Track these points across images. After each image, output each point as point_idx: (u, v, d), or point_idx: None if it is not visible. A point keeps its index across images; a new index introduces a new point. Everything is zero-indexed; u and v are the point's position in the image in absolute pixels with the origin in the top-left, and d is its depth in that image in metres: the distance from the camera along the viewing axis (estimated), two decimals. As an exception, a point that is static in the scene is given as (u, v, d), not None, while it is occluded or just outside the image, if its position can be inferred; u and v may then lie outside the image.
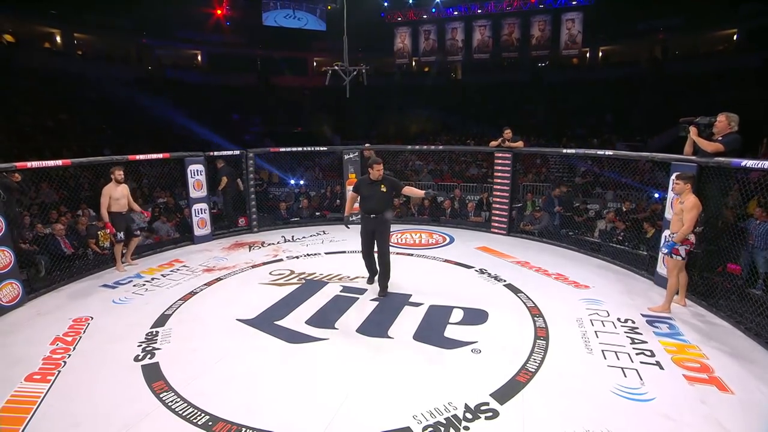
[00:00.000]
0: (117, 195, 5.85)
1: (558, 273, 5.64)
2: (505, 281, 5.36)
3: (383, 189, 4.81)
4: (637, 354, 3.72)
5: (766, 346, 3.82)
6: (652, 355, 3.70)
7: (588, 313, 4.49)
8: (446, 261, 6.22)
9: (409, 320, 4.34)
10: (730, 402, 3.14)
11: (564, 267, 5.88)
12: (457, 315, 4.43)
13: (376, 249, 4.98)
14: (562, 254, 6.56)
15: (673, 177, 4.50)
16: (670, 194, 5.01)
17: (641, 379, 3.37)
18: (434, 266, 6.02)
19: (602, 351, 3.75)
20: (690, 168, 4.78)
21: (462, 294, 4.96)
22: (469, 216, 8.68)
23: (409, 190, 4.99)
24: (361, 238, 5.04)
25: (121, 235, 5.84)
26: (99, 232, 6.78)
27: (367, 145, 9.13)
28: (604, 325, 4.21)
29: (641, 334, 4.06)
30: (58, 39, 21.00)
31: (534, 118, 18.50)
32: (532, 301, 4.78)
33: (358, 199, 5.00)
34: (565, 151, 7.32)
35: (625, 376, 3.41)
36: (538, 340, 3.95)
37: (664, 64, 20.45)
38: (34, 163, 5.31)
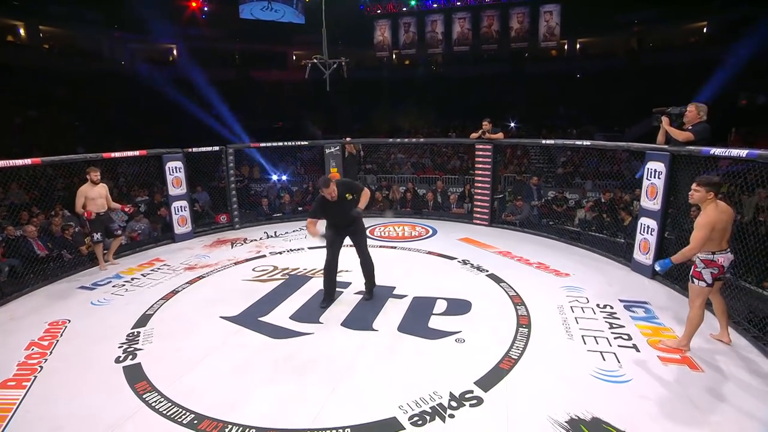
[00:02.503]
0: (93, 195, 5.70)
1: (539, 262, 5.71)
2: (487, 271, 5.40)
3: (348, 197, 4.26)
4: (615, 338, 3.80)
5: (733, 326, 3.93)
6: (629, 338, 3.80)
7: (568, 300, 4.57)
8: (429, 253, 6.24)
9: (393, 312, 4.36)
10: (700, 379, 3.27)
11: (545, 256, 5.95)
12: (440, 306, 4.46)
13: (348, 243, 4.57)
14: (543, 243, 6.63)
15: (693, 185, 3.53)
16: (645, 182, 5.09)
17: (619, 362, 3.46)
18: (417, 258, 6.04)
19: (582, 336, 3.84)
20: (660, 156, 4.81)
21: (445, 285, 4.98)
22: (452, 208, 8.74)
23: (365, 197, 4.35)
24: (329, 251, 4.43)
25: (97, 236, 5.69)
26: (86, 238, 6.57)
27: (347, 139, 9.02)
28: (584, 312, 4.29)
29: (619, 318, 4.16)
30: (22, 32, 20.18)
31: (514, 109, 18.88)
32: (514, 290, 4.83)
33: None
34: (544, 142, 7.43)
35: (604, 359, 3.49)
36: (520, 328, 4.00)
37: (641, 55, 21.17)
38: (1, 163, 5.09)
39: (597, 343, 3.72)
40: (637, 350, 3.63)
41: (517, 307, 4.43)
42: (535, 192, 8.24)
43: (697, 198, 3.36)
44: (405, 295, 4.72)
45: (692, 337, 3.62)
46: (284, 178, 11.12)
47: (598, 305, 4.43)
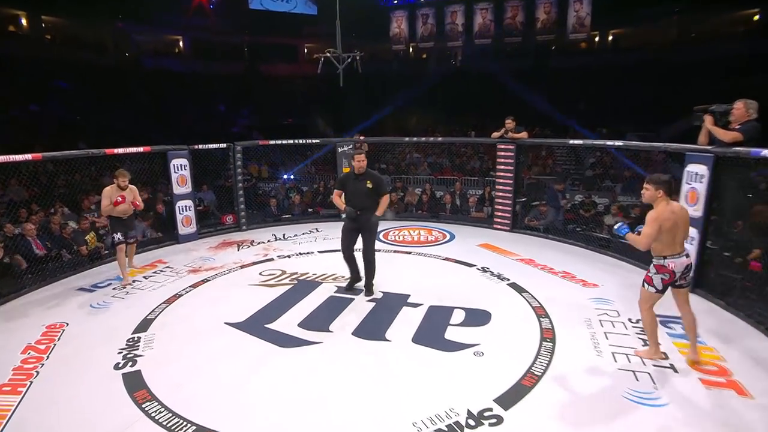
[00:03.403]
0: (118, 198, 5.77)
1: (565, 271, 5.62)
2: (508, 280, 5.34)
3: (368, 185, 4.82)
4: (649, 356, 3.91)
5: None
6: (666, 357, 3.67)
7: (597, 313, 4.46)
8: (446, 259, 6.21)
9: (407, 322, 4.32)
10: (749, 407, 3.12)
11: (571, 264, 5.85)
12: (458, 316, 4.41)
13: (358, 247, 4.99)
14: (569, 251, 6.52)
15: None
16: (685, 186, 4.93)
17: (654, 384, 3.36)
18: (434, 265, 6.00)
19: (612, 353, 3.73)
20: (703, 158, 4.69)
21: (463, 294, 4.94)
22: (471, 211, 8.66)
23: (384, 204, 4.86)
24: (342, 235, 5.02)
25: (118, 236, 5.51)
26: (87, 237, 6.63)
27: (361, 138, 9.01)
28: (614, 326, 4.18)
29: (654, 334, 4.33)
30: (24, 22, 20.57)
31: (539, 106, 18.68)
32: (538, 301, 4.76)
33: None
34: (571, 142, 7.32)
35: (637, 380, 3.39)
36: (544, 342, 3.92)
37: (679, 48, 20.64)
38: (1, 158, 5.17)
39: (629, 362, 3.62)
40: (675, 371, 3.51)
41: (541, 319, 4.36)
42: (559, 197, 8.03)
43: (647, 197, 3.46)
44: (420, 304, 4.68)
45: (657, 341, 3.66)
46: (293, 177, 11.09)
47: (630, 319, 4.30)
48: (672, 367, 3.53)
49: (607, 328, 4.14)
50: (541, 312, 4.51)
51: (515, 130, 7.38)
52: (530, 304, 4.69)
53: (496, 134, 7.56)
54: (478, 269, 5.80)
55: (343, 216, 5.03)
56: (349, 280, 5.25)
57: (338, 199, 4.98)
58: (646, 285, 3.54)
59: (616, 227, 3.58)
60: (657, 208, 3.41)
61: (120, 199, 5.40)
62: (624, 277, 5.44)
